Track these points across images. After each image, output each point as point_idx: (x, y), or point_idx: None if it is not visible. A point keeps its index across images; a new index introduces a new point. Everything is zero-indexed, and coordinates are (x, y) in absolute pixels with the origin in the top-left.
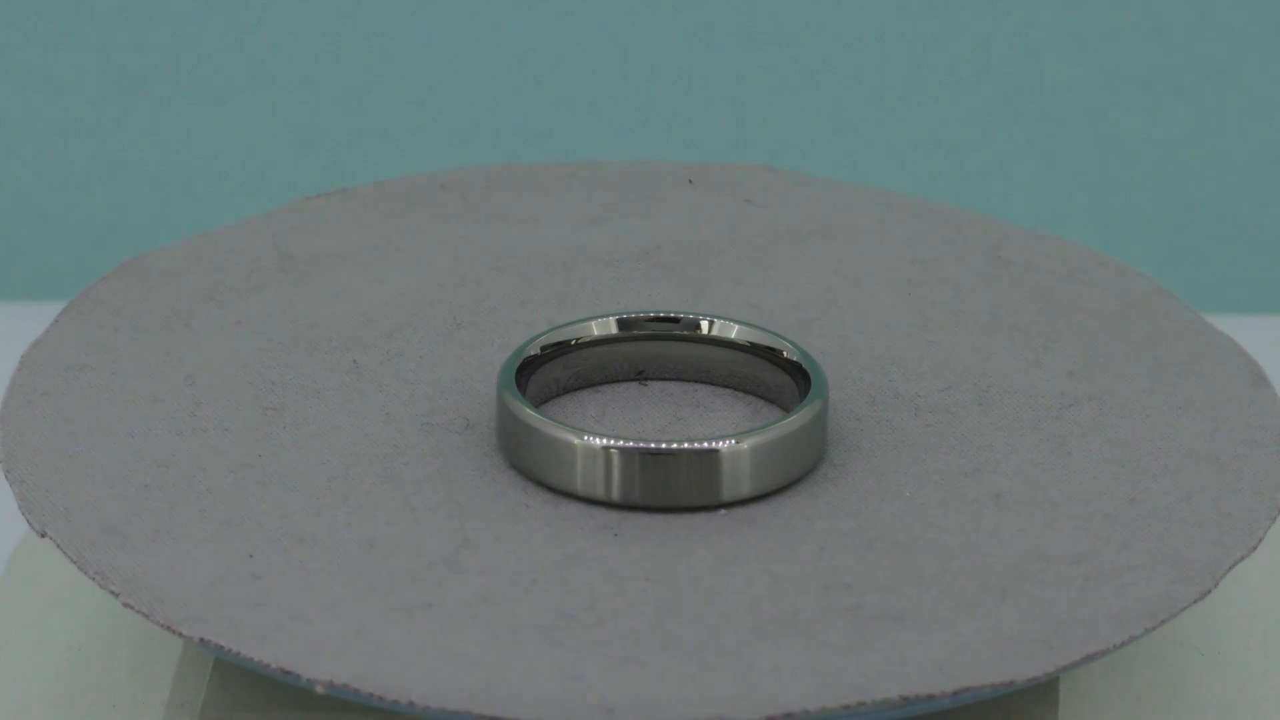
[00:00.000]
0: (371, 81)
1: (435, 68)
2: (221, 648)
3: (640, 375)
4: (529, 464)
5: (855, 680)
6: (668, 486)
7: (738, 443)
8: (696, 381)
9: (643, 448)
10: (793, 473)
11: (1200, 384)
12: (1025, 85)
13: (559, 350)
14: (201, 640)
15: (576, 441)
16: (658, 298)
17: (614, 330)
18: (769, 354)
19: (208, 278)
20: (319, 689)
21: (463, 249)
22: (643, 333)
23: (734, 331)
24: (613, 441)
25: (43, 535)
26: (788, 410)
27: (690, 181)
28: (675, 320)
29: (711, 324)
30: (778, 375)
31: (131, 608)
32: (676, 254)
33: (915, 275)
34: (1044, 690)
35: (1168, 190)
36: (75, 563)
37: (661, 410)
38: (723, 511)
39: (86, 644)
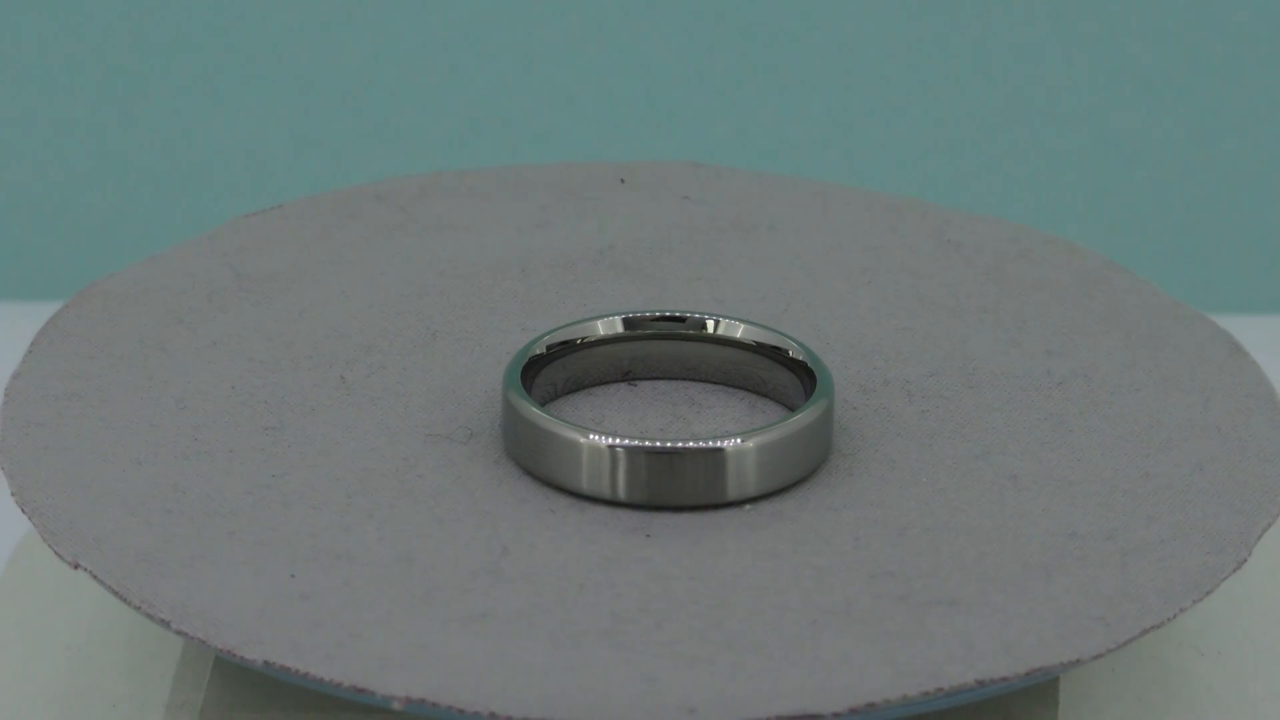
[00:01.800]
0: (371, 81)
1: (435, 68)
2: (288, 669)
3: (627, 375)
4: (547, 469)
5: (927, 667)
6: (696, 485)
7: (759, 439)
8: (685, 379)
9: (671, 448)
10: (809, 466)
11: (1179, 356)
12: (1025, 85)
13: (564, 350)
14: (266, 663)
15: (603, 445)
16: (623, 297)
17: (620, 330)
18: (773, 352)
19: (169, 301)
20: (396, 705)
21: (416, 259)
22: (647, 332)
23: (740, 330)
24: (641, 442)
25: (75, 567)
26: (785, 406)
27: (622, 181)
28: (681, 320)
29: (717, 323)
30: (780, 373)
31: (185, 634)
32: (630, 253)
33: (869, 263)
34: (1044, 690)
35: (1168, 190)
36: (116, 593)
37: (659, 410)
38: (748, 507)
39: (86, 644)
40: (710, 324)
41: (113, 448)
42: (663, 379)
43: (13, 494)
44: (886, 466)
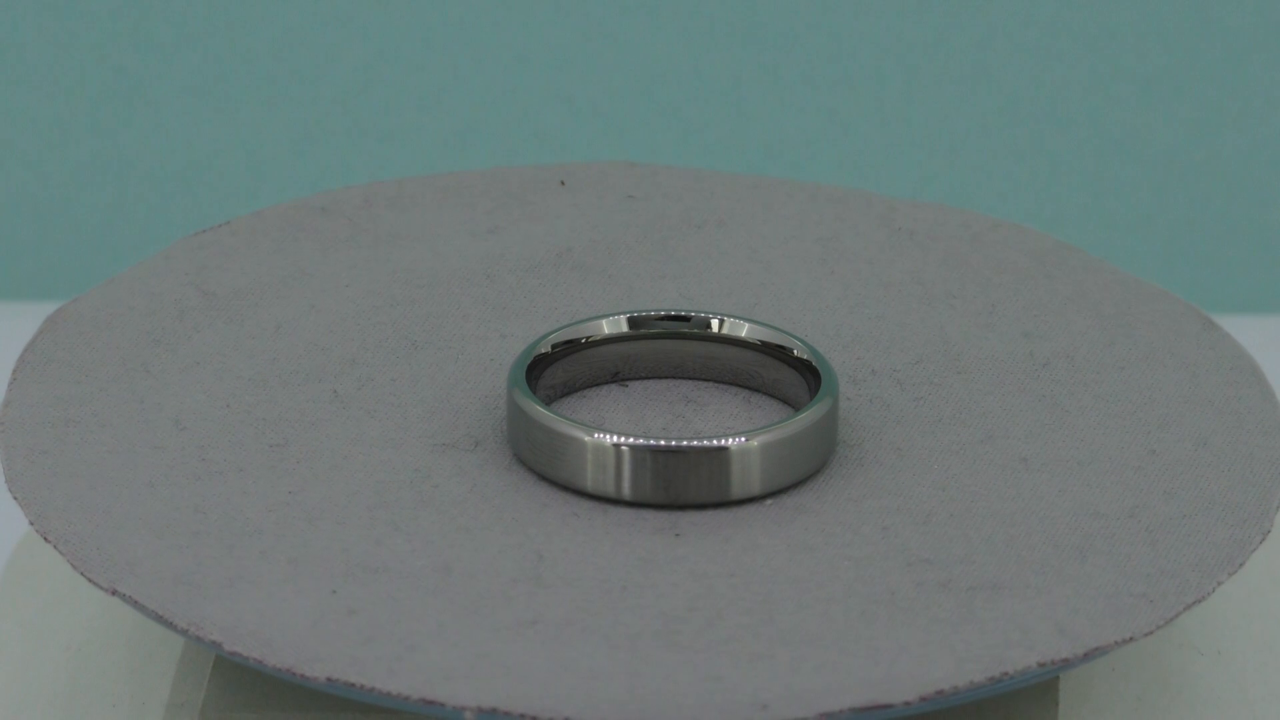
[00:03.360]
0: (371, 81)
1: (435, 68)
2: (352, 685)
3: (617, 376)
4: (567, 474)
5: (988, 652)
6: (722, 483)
7: (775, 435)
8: (673, 378)
9: (695, 447)
10: (822, 459)
11: (1155, 332)
12: (1025, 85)
13: (569, 349)
14: (329, 680)
15: (626, 446)
16: (593, 298)
17: (625, 329)
18: (778, 351)
19: (141, 323)
20: (468, 716)
21: (377, 270)
22: (654, 331)
23: (744, 330)
24: (666, 442)
25: (113, 593)
26: (780, 400)
27: (562, 183)
28: (686, 319)
29: (722, 322)
30: (782, 370)
31: (240, 655)
32: (589, 255)
33: (825, 254)
34: (1044, 690)
35: (1168, 190)
36: (161, 617)
37: (657, 409)
38: (769, 501)
39: (86, 644)
40: (715, 323)
41: (122, 472)
42: (651, 378)
43: (32, 523)
44: (895, 456)
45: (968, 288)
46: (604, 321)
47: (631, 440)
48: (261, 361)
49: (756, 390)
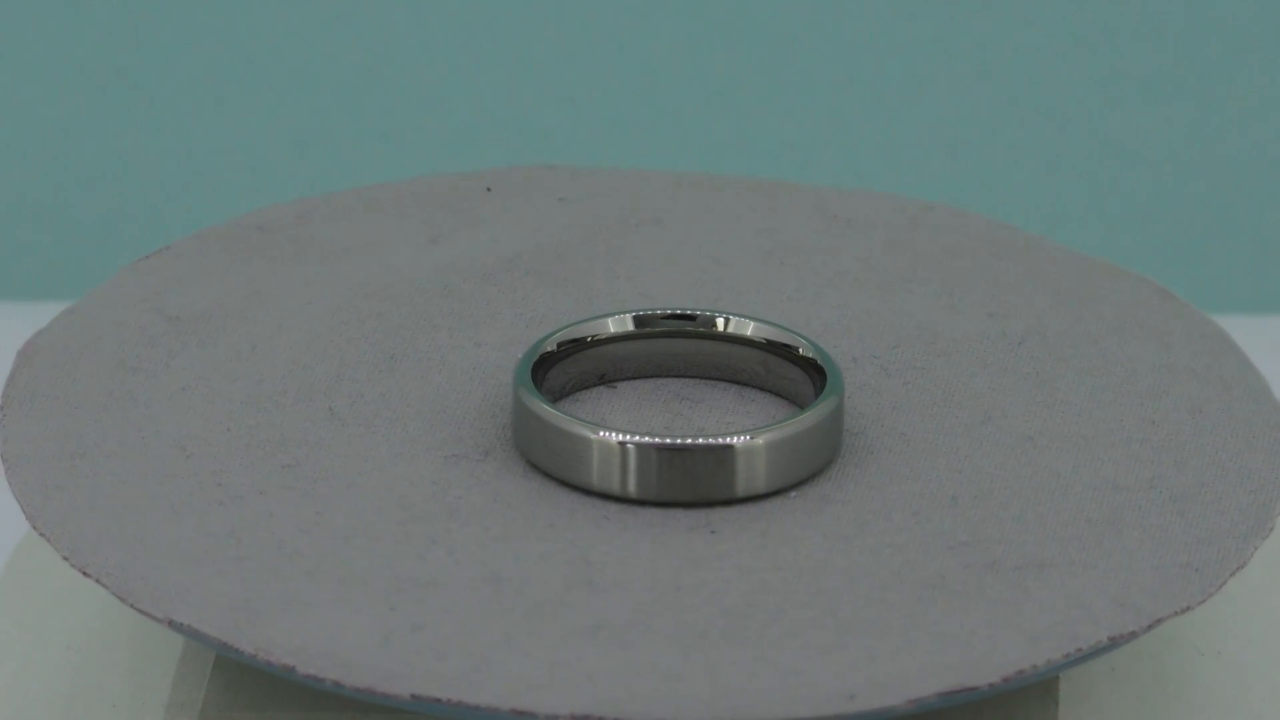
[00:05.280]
0: (371, 81)
1: (435, 68)
2: (439, 700)
3: (603, 378)
4: (587, 477)
5: (1058, 629)
6: (752, 477)
7: (794, 428)
8: (659, 377)
9: (727, 444)
10: (834, 450)
11: (1117, 306)
12: (1025, 85)
13: (576, 348)
14: (414, 696)
15: (653, 446)
16: (555, 303)
17: (630, 327)
18: (783, 350)
19: (114, 351)
20: None
21: (332, 285)
22: (660, 329)
23: (750, 328)
24: (695, 440)
25: (169, 624)
26: (775, 394)
27: (488, 189)
28: (691, 317)
29: (727, 321)
30: (788, 369)
31: (314, 677)
32: (540, 260)
33: (770, 245)
34: (1044, 690)
35: (1168, 190)
36: (225, 645)
37: (654, 408)
38: (793, 493)
39: (86, 644)
40: (720, 322)
41: (142, 502)
42: (636, 378)
43: (66, 558)
44: (901, 441)
45: (920, 271)
46: (609, 320)
47: (663, 440)
48: (247, 383)
49: (745, 384)
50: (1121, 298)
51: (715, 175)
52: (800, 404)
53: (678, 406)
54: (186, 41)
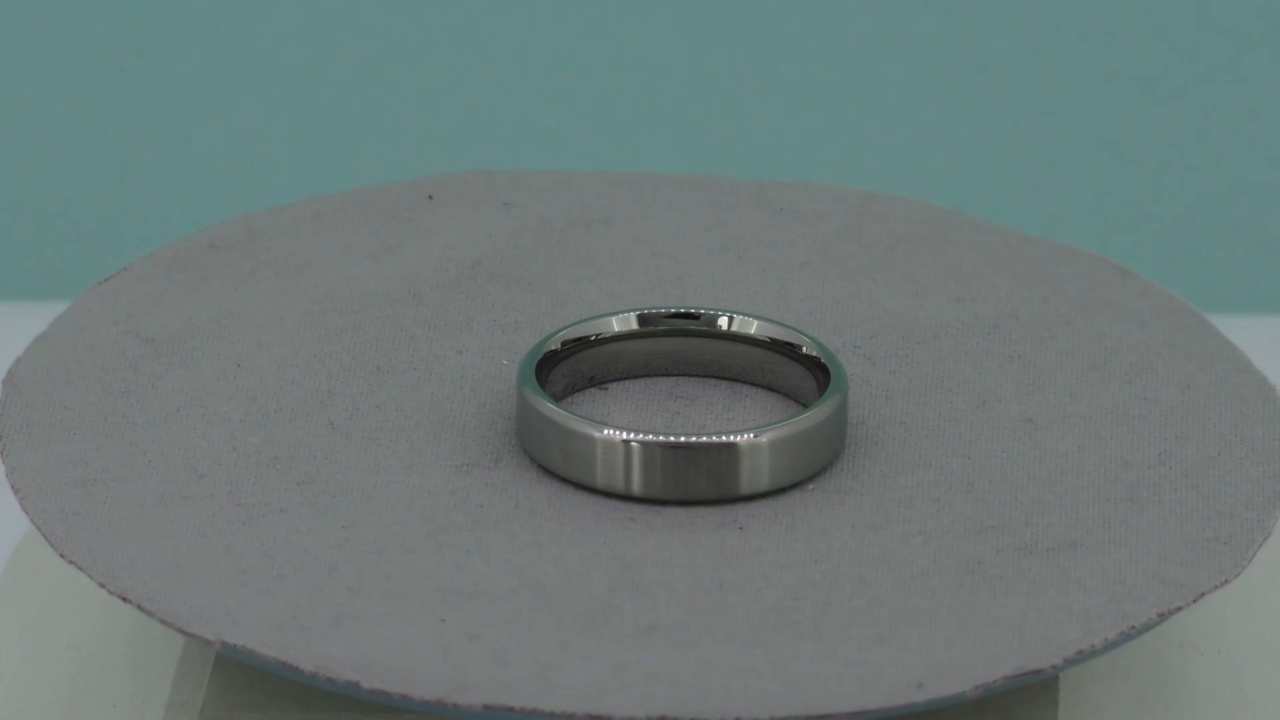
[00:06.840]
0: (371, 82)
1: (435, 68)
2: (511, 709)
3: (593, 380)
4: (609, 480)
5: (1107, 609)
6: (778, 472)
7: (807, 423)
8: (651, 376)
9: (747, 442)
10: (841, 444)
11: (1080, 286)
12: (1025, 85)
13: (578, 347)
14: (486, 707)
15: (678, 444)
16: (527, 307)
17: (634, 326)
18: (787, 349)
19: (98, 377)
20: None
21: (299, 299)
22: (663, 328)
23: (753, 327)
24: (721, 438)
25: (222, 646)
26: (767, 388)
27: (430, 197)
28: (695, 316)
29: (731, 319)
30: (786, 365)
31: (381, 692)
32: (500, 265)
33: (723, 241)
34: (1044, 690)
35: (1168, 190)
36: (284, 664)
37: (651, 407)
38: (810, 486)
39: (86, 644)
40: (724, 320)
41: (166, 525)
42: (626, 378)
43: (102, 584)
44: (902, 430)
45: (877, 260)
46: (614, 319)
47: (685, 439)
48: (241, 401)
49: (735, 381)
50: (1083, 278)
51: (650, 173)
52: (797, 399)
53: (674, 405)
54: (186, 41)
